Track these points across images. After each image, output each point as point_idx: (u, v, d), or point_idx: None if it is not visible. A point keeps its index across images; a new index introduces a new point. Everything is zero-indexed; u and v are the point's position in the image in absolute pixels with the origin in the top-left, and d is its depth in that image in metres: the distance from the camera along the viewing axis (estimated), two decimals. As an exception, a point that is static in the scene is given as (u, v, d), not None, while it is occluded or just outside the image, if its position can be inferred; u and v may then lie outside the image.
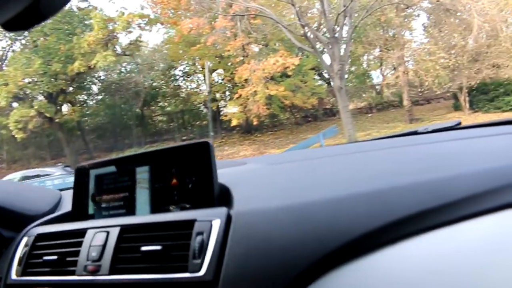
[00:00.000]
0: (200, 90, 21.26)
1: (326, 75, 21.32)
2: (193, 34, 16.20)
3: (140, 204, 0.83)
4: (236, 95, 15.97)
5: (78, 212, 0.92)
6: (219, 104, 20.36)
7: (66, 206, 1.02)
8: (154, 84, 21.35)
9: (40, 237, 0.86)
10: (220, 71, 19.83)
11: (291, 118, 20.34)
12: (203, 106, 20.90)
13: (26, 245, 0.86)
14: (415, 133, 1.13)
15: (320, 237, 0.57)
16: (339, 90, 12.95)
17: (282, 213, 0.62)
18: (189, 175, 0.79)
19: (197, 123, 21.50)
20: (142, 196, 0.83)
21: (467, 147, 0.76)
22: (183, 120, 21.57)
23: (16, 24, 0.42)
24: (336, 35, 13.80)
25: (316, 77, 20.65)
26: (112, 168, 0.90)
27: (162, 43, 21.11)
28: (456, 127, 1.09)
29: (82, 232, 0.79)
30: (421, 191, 0.56)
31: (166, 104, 22.59)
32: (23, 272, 0.83)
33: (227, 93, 20.27)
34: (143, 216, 0.79)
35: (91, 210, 0.90)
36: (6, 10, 0.39)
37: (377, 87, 22.14)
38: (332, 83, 13.71)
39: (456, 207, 0.53)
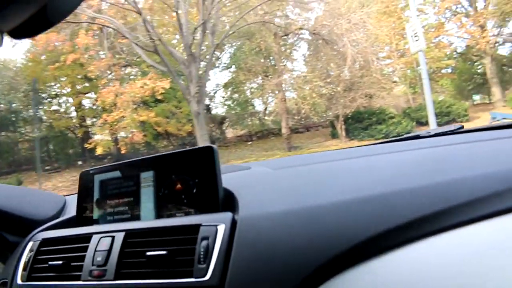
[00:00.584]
0: (67, 114, 18.86)
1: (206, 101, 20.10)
2: (57, 51, 14.08)
3: (145, 209, 0.85)
4: (101, 121, 14.98)
5: (83, 217, 0.94)
6: (90, 130, 18.59)
7: (71, 211, 1.04)
8: (14, 106, 18.63)
9: (45, 242, 0.88)
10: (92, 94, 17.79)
11: (169, 146, 18.87)
12: (71, 132, 19.15)
13: (31, 250, 0.89)
14: (417, 137, 1.17)
15: (325, 241, 0.58)
16: (197, 116, 11.86)
17: (287, 217, 0.64)
18: (193, 180, 0.81)
19: (64, 150, 19.57)
20: (147, 201, 0.85)
21: (470, 150, 0.78)
22: (47, 147, 18.91)
23: (23, 32, 0.42)
24: (210, 54, 12.54)
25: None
26: (116, 173, 0.92)
27: (24, 60, 18.40)
28: (458, 131, 1.11)
29: (87, 237, 0.81)
30: (425, 194, 0.58)
31: (27, 129, 19.41)
32: (28, 277, 0.85)
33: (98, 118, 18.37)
34: (148, 221, 0.81)
35: (95, 215, 0.92)
36: (12, 18, 0.39)
37: (260, 114, 21.41)
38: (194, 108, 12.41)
39: (461, 211, 0.55)
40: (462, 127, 1.14)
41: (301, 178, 0.83)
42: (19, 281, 0.87)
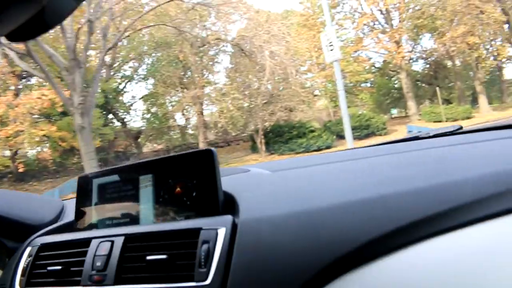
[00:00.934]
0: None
1: (121, 114, 18.71)
2: None
3: (144, 213, 0.85)
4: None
5: (82, 222, 0.94)
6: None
7: (69, 215, 1.04)
8: None
9: (44, 247, 0.89)
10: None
11: (79, 163, 17.43)
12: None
13: (29, 255, 0.89)
14: (416, 138, 1.17)
15: (326, 244, 0.59)
16: (81, 130, 10.51)
17: (288, 220, 0.64)
18: (193, 183, 0.81)
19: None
20: (146, 205, 0.85)
21: (470, 151, 0.79)
22: None
23: (21, 35, 0.43)
24: (100, 59, 11.30)
25: (110, 116, 18.01)
26: (115, 177, 0.92)
27: None
28: (457, 131, 1.13)
29: (86, 242, 0.82)
30: (426, 196, 0.59)
31: None
32: (27, 282, 0.85)
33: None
34: (148, 225, 0.82)
35: (94, 219, 0.92)
36: (10, 20, 0.40)
37: (179, 129, 20.40)
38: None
39: (462, 212, 0.56)
40: (461, 127, 1.16)
41: (300, 180, 0.85)
42: (17, 287, 0.86)
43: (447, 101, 25.22)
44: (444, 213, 0.56)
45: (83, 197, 0.96)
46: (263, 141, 17.65)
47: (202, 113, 18.45)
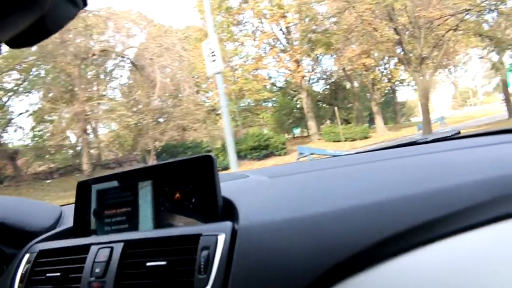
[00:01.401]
0: None
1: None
2: None
3: (143, 219, 0.87)
4: None
5: (80, 228, 0.96)
6: None
7: (67, 221, 1.05)
8: None
9: (43, 253, 0.90)
10: None
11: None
12: None
13: (28, 262, 0.90)
14: (414, 143, 1.19)
15: (327, 249, 0.60)
16: None
17: (288, 225, 0.65)
18: (192, 189, 0.82)
19: None
20: (145, 211, 0.87)
21: (468, 156, 0.80)
22: None
23: (21, 41, 0.43)
24: None
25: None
26: (114, 183, 0.94)
27: None
28: (455, 136, 1.14)
29: (85, 248, 0.84)
30: (424, 201, 0.60)
31: None
32: None
33: None
34: (147, 231, 0.83)
35: (93, 225, 0.94)
36: (10, 27, 0.40)
37: (65, 148, 18.18)
38: None
39: (459, 218, 0.57)
40: (459, 132, 1.17)
41: (299, 186, 0.86)
42: None
43: (346, 121, 26.21)
44: (441, 219, 0.57)
45: (82, 203, 0.98)
46: (155, 162, 16.17)
47: (85, 131, 16.54)
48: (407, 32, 15.80)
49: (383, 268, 0.57)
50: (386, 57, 25.10)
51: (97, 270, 0.78)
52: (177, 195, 0.84)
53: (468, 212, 0.57)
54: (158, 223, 0.85)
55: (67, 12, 0.43)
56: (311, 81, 27.12)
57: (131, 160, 20.22)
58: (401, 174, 0.75)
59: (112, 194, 0.94)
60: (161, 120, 18.09)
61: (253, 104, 25.44)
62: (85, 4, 0.45)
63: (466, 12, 14.88)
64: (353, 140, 21.39)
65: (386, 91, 28.35)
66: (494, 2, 14.90)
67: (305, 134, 27.75)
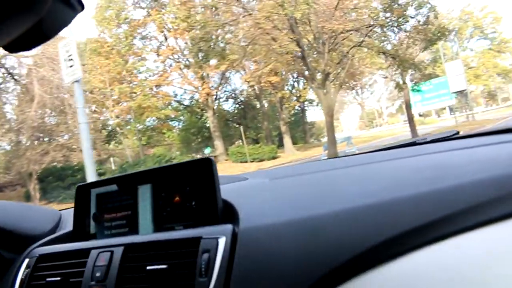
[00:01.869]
0: None
1: None
2: None
3: (143, 222, 0.89)
4: None
5: (80, 232, 0.97)
6: None
7: (66, 225, 1.06)
8: None
9: (43, 258, 0.92)
10: None
11: None
12: None
13: (28, 267, 0.91)
14: (413, 144, 1.19)
15: (327, 251, 0.61)
16: None
17: (288, 228, 0.66)
18: (192, 192, 0.84)
19: None
20: (145, 214, 0.88)
21: (468, 156, 0.80)
22: None
23: (19, 46, 0.44)
24: None
25: None
26: (113, 187, 0.96)
27: None
28: (455, 136, 1.15)
29: (85, 252, 0.85)
30: (425, 202, 0.61)
31: None
32: None
33: None
34: (147, 235, 0.85)
35: (93, 229, 0.96)
36: (8, 31, 0.40)
37: None
38: None
39: (461, 217, 0.57)
40: (458, 132, 1.18)
41: (299, 188, 0.87)
42: None
43: (256, 141, 25.47)
44: (444, 219, 0.57)
45: (81, 207, 0.99)
46: (37, 187, 14.19)
47: None
48: (311, 46, 15.28)
49: (384, 269, 0.57)
50: (295, 76, 24.95)
51: (98, 274, 0.79)
52: (177, 198, 0.85)
53: (471, 212, 0.57)
54: (158, 226, 0.86)
55: (64, 16, 0.44)
56: (219, 100, 26.20)
57: (15, 184, 17.69)
58: (402, 175, 0.75)
59: (111, 198, 0.95)
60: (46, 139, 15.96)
61: (157, 123, 23.85)
62: (82, 8, 0.45)
63: (370, 28, 14.72)
64: (261, 160, 21.24)
65: (295, 110, 28.45)
66: (395, 18, 14.94)
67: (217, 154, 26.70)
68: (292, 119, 29.09)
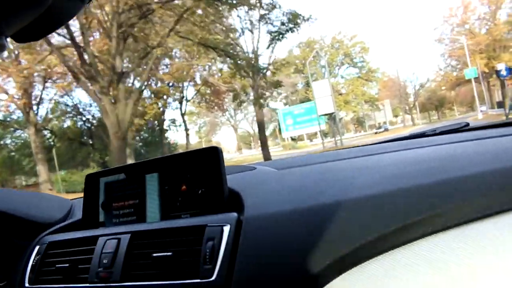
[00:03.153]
0: None
1: None
2: None
3: (150, 211, 0.93)
4: None
5: (89, 220, 1.02)
6: None
7: (77, 214, 1.10)
8: None
9: (52, 245, 0.96)
10: None
11: None
12: None
13: (38, 253, 0.96)
14: (423, 135, 1.25)
15: (332, 240, 0.62)
16: None
17: (293, 217, 0.68)
18: (198, 181, 0.87)
19: None
20: (152, 203, 0.93)
21: (476, 147, 0.83)
22: None
23: (27, 35, 0.45)
24: None
25: None
26: (121, 176, 1.00)
27: None
28: (464, 128, 1.19)
29: (93, 240, 0.90)
30: (433, 192, 0.63)
31: None
32: (36, 280, 0.92)
33: None
34: (153, 223, 0.89)
35: (101, 217, 1.00)
36: (16, 22, 0.41)
37: None
38: None
39: (468, 208, 0.59)
40: (468, 124, 1.21)
41: (306, 178, 0.90)
42: (27, 284, 0.93)
43: (103, 164, 23.54)
44: (452, 208, 0.59)
45: (90, 196, 1.04)
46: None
47: None
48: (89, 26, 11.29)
49: (390, 257, 0.59)
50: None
51: (105, 261, 0.82)
52: (184, 187, 0.88)
53: (480, 202, 0.59)
54: (165, 214, 0.90)
55: (72, 7, 0.45)
56: (55, 114, 21.65)
57: None
58: (410, 165, 0.77)
59: (119, 187, 1.00)
60: None
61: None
62: None
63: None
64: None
65: (148, 129, 24.98)
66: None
67: (39, 181, 21.85)
68: (149, 139, 25.92)
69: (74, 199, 1.29)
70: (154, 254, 0.76)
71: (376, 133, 50.51)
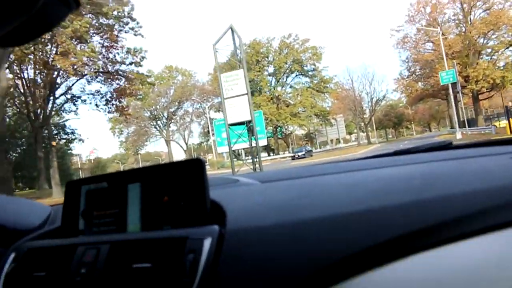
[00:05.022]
0: None
1: None
2: None
3: (131, 221, 0.91)
4: None
5: (68, 228, 0.99)
6: None
7: (56, 221, 1.07)
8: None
9: (29, 252, 0.93)
10: None
11: None
12: None
13: (15, 260, 0.93)
14: (407, 152, 1.25)
15: (313, 256, 0.63)
16: None
17: (275, 231, 0.69)
18: (181, 192, 0.86)
19: None
20: (133, 213, 0.91)
21: (461, 166, 0.84)
22: None
23: (11, 40, 0.45)
24: None
25: None
26: (103, 184, 0.98)
27: None
28: (449, 146, 1.20)
29: (72, 248, 0.88)
30: (414, 210, 0.64)
31: None
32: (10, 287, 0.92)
33: None
34: (134, 233, 0.89)
35: (81, 226, 0.98)
36: (2, 25, 0.41)
37: None
38: None
39: (450, 227, 0.61)
40: (451, 143, 1.23)
41: (289, 192, 0.89)
42: None
43: (29, 186, 24.03)
44: (432, 227, 0.61)
45: (70, 203, 1.01)
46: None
47: None
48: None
49: (371, 275, 0.60)
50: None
51: (83, 270, 0.81)
52: (166, 197, 0.87)
53: (459, 222, 0.60)
54: (146, 225, 0.89)
55: (58, 12, 0.45)
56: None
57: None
58: (393, 183, 0.79)
59: (101, 195, 0.98)
60: None
61: None
62: (78, 5, 0.46)
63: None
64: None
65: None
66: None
67: None
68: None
69: (53, 205, 1.27)
70: (134, 265, 0.75)
71: (294, 158, 42.10)
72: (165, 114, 50.06)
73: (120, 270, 0.78)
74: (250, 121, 16.77)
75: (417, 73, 47.46)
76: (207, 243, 0.71)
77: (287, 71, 52.41)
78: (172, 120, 50.69)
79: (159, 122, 51.40)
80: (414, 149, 1.24)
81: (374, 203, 0.68)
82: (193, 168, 0.86)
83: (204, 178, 0.84)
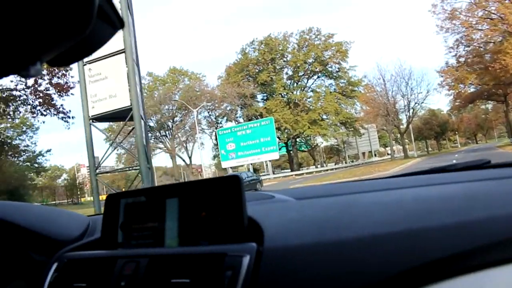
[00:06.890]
0: None
1: None
2: None
3: (169, 235, 0.93)
4: None
5: (108, 240, 1.01)
6: None
7: (94, 232, 1.11)
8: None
9: (71, 262, 0.97)
10: None
11: None
12: None
13: (56, 270, 0.96)
14: (443, 170, 1.25)
15: (353, 276, 0.64)
16: None
17: (314, 250, 0.70)
18: (218, 208, 0.87)
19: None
20: (171, 227, 0.93)
21: (499, 187, 0.84)
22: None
23: (61, 60, 0.47)
24: None
25: None
26: (142, 198, 1.01)
27: None
28: (485, 165, 1.19)
29: (112, 260, 0.90)
30: (454, 233, 0.64)
31: None
32: None
33: None
34: (172, 248, 0.90)
35: (120, 238, 1.00)
36: (54, 49, 0.43)
37: None
38: None
39: (491, 251, 0.60)
40: (489, 161, 1.22)
41: (326, 210, 0.89)
42: None
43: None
44: (471, 252, 0.60)
45: (110, 216, 1.04)
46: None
47: None
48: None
49: None
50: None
51: (123, 283, 0.82)
52: (203, 213, 0.88)
53: (501, 246, 0.59)
54: (184, 240, 0.90)
55: (105, 33, 0.47)
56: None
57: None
58: (432, 203, 0.78)
59: (139, 209, 1.00)
60: None
61: None
62: (122, 25, 0.48)
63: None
64: None
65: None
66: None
67: None
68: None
69: (91, 215, 1.32)
70: (173, 280, 0.76)
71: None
72: (169, 124, 44.88)
73: (159, 284, 0.79)
74: (130, 109, 12.88)
75: (469, 61, 36.14)
76: (245, 261, 0.71)
77: (308, 71, 46.22)
78: (178, 131, 45.49)
79: (158, 132, 46.33)
80: (450, 167, 1.24)
81: (414, 224, 0.67)
82: (230, 184, 0.86)
83: (242, 195, 0.83)
